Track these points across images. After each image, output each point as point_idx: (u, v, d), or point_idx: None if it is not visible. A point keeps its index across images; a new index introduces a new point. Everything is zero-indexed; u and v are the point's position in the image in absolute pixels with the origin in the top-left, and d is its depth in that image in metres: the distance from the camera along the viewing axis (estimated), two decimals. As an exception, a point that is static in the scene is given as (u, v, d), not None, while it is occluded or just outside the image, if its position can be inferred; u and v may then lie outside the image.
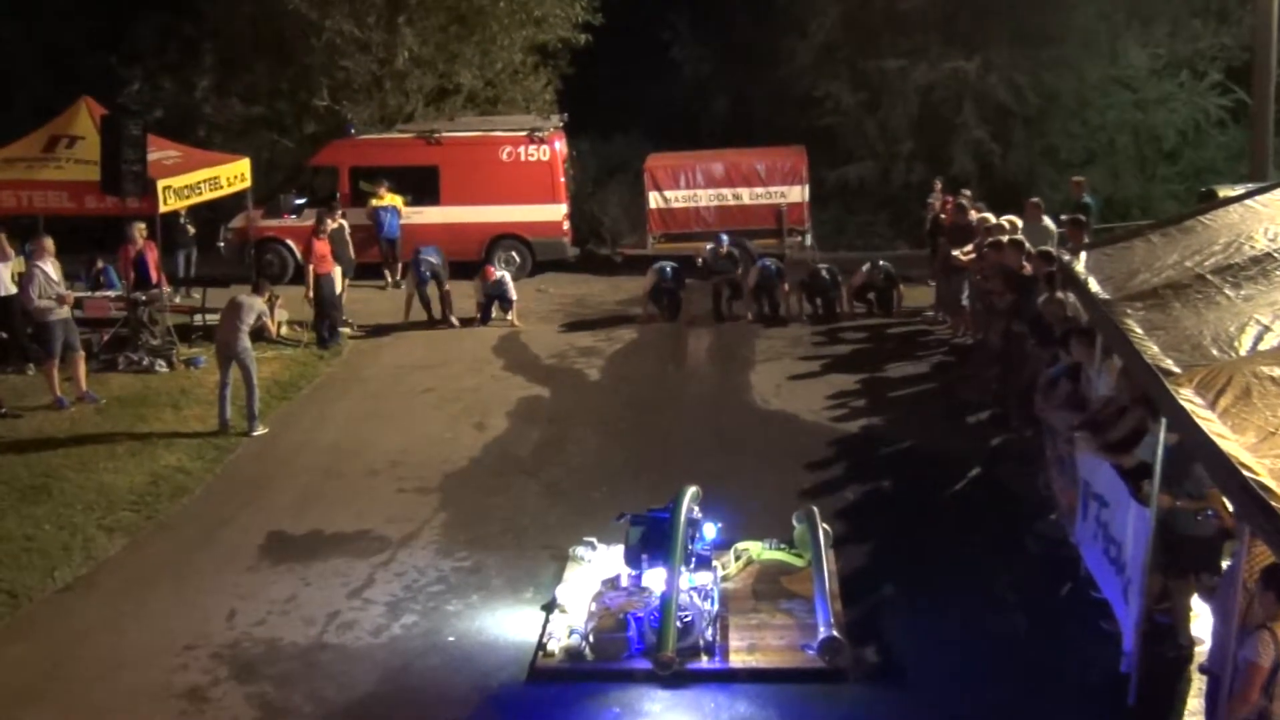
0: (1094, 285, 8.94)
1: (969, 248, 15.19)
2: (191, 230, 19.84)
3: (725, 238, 18.55)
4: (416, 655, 8.47)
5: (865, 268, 17.85)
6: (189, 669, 8.34)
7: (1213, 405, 6.13)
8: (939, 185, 20.10)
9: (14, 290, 14.83)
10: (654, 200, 21.34)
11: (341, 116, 22.75)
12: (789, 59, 25.77)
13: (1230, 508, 6.59)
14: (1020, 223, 14.92)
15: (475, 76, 24.19)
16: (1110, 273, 9.11)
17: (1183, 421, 6.15)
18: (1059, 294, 11.06)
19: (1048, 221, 15.56)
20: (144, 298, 15.91)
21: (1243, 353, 6.68)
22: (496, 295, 17.87)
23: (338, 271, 16.94)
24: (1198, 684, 7.43)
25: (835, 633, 8.05)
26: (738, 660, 8.11)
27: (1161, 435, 7.02)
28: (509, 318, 17.98)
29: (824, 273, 17.71)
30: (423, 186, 20.86)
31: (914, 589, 9.17)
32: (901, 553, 9.87)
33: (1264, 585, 5.98)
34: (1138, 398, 7.94)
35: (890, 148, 25.26)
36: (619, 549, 9.00)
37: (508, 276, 18.29)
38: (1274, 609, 5.87)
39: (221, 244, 20.83)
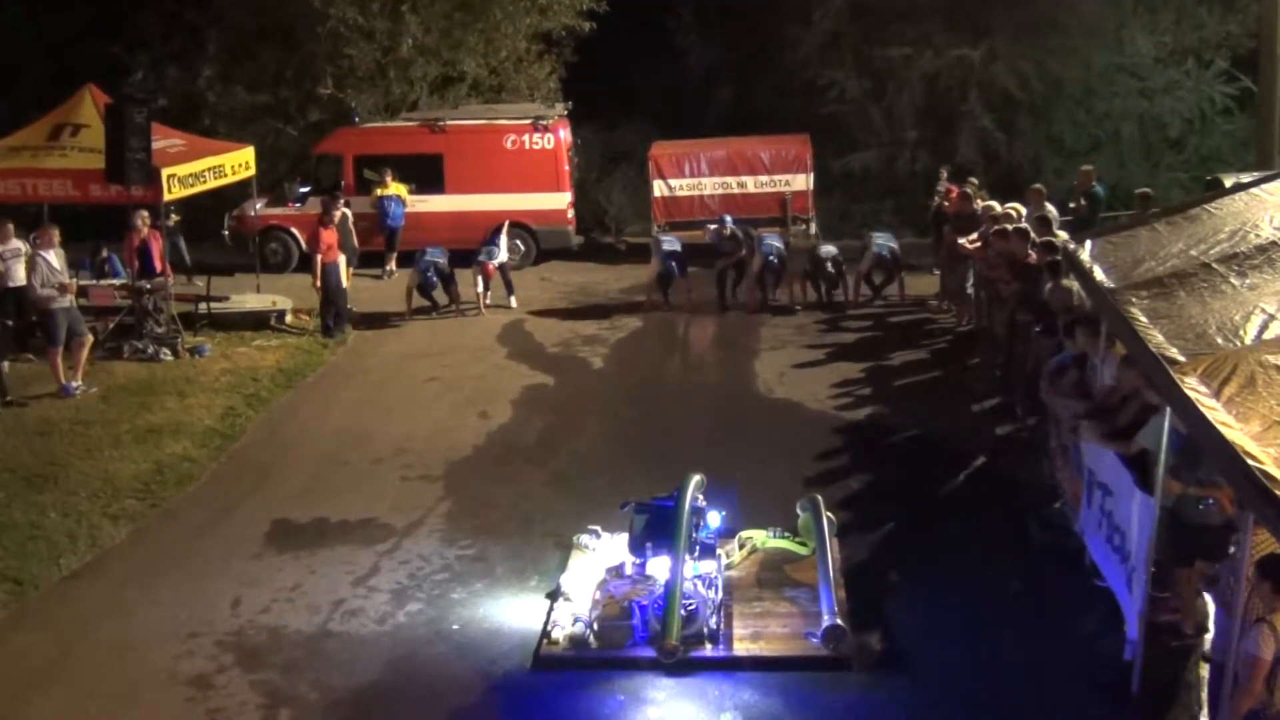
0: (1099, 273, 8.93)
1: (974, 236, 15.16)
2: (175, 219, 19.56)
3: (729, 218, 18.47)
4: (421, 643, 8.49)
5: (872, 250, 17.67)
6: (194, 656, 8.37)
7: (1217, 394, 6.11)
8: (945, 174, 20.05)
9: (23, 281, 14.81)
10: (658, 189, 21.31)
11: (346, 105, 22.71)
12: (794, 47, 25.67)
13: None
14: (1025, 211, 14.93)
15: (479, 65, 24.15)
16: (1115, 261, 9.09)
17: (1187, 410, 6.15)
18: (1064, 282, 11.06)
19: (1050, 208, 15.55)
20: (148, 286, 15.90)
21: (1248, 341, 6.67)
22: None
23: (343, 260, 16.94)
24: (1201, 673, 7.43)
25: (839, 621, 8.06)
26: (741, 648, 8.13)
27: (1165, 423, 7.02)
28: (511, 302, 18.01)
29: (829, 265, 17.54)
30: (427, 175, 20.84)
31: (918, 577, 9.18)
32: (905, 541, 9.89)
33: (1259, 576, 6.00)
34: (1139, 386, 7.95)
35: (895, 136, 25.18)
36: (623, 537, 8.99)
37: (501, 250, 18.33)
38: (1272, 600, 5.88)
39: (226, 232, 20.84)
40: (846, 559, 9.21)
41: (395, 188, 20.33)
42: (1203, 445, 6.17)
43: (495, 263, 18.01)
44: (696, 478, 9.27)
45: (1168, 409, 6.89)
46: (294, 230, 20.59)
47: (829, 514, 9.44)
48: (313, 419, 13.56)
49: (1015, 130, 24.68)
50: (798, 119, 23.39)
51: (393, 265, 20.25)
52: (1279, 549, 6.25)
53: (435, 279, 17.53)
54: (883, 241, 17.76)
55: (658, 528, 8.67)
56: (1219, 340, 6.79)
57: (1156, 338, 7.09)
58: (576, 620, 8.33)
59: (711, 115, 26.19)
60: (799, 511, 9.69)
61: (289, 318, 17.25)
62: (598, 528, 9.60)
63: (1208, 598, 7.66)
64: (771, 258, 17.45)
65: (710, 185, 21.28)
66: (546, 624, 8.44)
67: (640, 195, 22.83)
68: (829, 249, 17.82)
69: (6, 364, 14.13)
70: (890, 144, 25.19)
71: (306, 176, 21.80)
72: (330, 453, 12.40)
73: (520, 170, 20.89)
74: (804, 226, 21.17)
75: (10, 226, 15.03)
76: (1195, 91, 24.47)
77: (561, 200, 21.18)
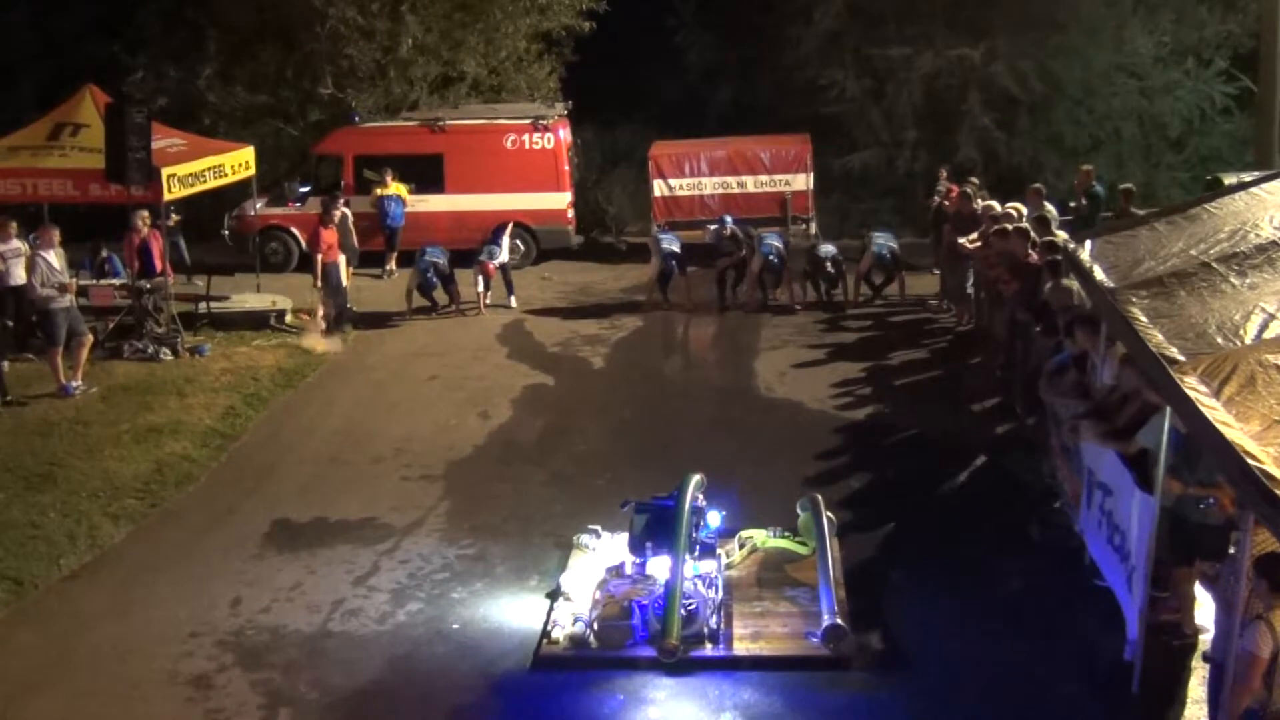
0: (1099, 273, 8.93)
1: (974, 236, 15.17)
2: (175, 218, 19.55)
3: (729, 218, 18.48)
4: (421, 643, 8.49)
5: (872, 249, 17.64)
6: (194, 656, 8.37)
7: (1217, 393, 6.12)
8: (945, 173, 20.05)
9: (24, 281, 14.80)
10: (658, 188, 21.33)
11: (346, 104, 22.73)
12: (794, 46, 25.64)
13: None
14: (1025, 210, 14.93)
15: (479, 64, 24.15)
16: (1115, 261, 9.08)
17: (1187, 410, 6.15)
18: (1064, 282, 11.05)
19: (1050, 208, 15.55)
20: (148, 286, 15.91)
21: (1248, 341, 6.67)
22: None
23: (343, 260, 16.94)
24: (1201, 672, 7.43)
25: (839, 620, 8.06)
26: (742, 648, 8.13)
27: (1165, 422, 7.02)
28: (511, 302, 18.01)
29: (829, 264, 17.52)
30: (427, 174, 20.84)
31: (918, 577, 9.18)
32: (906, 540, 9.89)
33: (1257, 574, 6.00)
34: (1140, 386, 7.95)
35: (895, 135, 25.15)
36: (623, 537, 8.99)
37: (503, 250, 18.31)
38: (1270, 599, 5.89)
39: (226, 232, 20.84)
40: (847, 559, 9.20)
41: (395, 187, 20.32)
42: (1203, 445, 6.18)
43: (496, 263, 18.01)
44: (696, 477, 9.26)
45: (1168, 408, 6.89)
46: (294, 230, 20.60)
47: (829, 513, 9.45)
48: (313, 419, 13.55)
49: (1015, 130, 24.67)
50: (798, 118, 23.39)
51: (393, 265, 20.24)
52: (1279, 548, 6.25)
53: (435, 279, 17.51)
54: (883, 241, 17.73)
55: (658, 527, 8.68)
56: (1219, 340, 6.79)
57: (1156, 337, 7.09)
58: (576, 620, 8.33)
59: (711, 115, 26.19)
60: (799, 511, 9.69)
61: (289, 317, 17.25)
62: (598, 527, 9.60)
63: (1207, 596, 7.67)
64: (772, 257, 17.39)
65: (710, 185, 21.29)
66: (546, 624, 8.44)
67: (640, 195, 22.81)
68: (829, 248, 17.79)
69: (6, 364, 14.14)
70: (890, 144, 25.16)
71: (306, 176, 21.80)
72: (330, 452, 12.40)
73: (520, 170, 20.89)
74: (804, 226, 21.17)
75: (14, 225, 15.04)
76: (1195, 91, 24.46)
77: (561, 200, 21.17)
